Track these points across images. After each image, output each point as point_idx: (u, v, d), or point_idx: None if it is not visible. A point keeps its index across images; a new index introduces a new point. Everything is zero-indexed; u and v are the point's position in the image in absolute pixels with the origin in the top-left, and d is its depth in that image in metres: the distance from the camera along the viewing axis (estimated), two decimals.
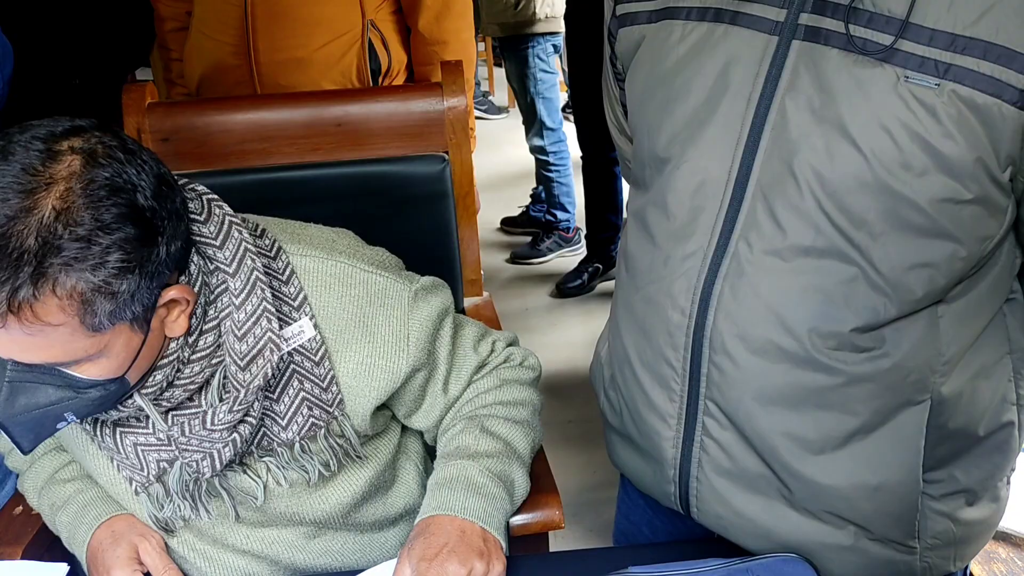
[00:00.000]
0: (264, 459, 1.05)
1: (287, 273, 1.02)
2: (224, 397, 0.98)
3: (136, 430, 1.00)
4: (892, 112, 0.86)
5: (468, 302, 1.68)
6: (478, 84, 5.69)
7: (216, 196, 1.00)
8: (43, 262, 0.79)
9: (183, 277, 0.93)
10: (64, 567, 1.06)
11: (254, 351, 0.97)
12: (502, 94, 5.96)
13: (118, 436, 1.01)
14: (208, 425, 0.98)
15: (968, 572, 1.13)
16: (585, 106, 3.40)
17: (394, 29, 1.98)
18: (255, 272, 0.98)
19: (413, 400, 1.14)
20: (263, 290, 0.98)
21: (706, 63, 0.96)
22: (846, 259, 0.91)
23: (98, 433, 1.02)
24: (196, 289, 0.94)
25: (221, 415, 0.97)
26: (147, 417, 0.99)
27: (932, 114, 0.85)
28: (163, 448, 1.01)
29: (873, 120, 0.87)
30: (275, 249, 1.03)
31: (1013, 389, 1.01)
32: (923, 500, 1.00)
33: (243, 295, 0.96)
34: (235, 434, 0.99)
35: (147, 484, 1.04)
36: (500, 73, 6.03)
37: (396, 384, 1.07)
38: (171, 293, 0.90)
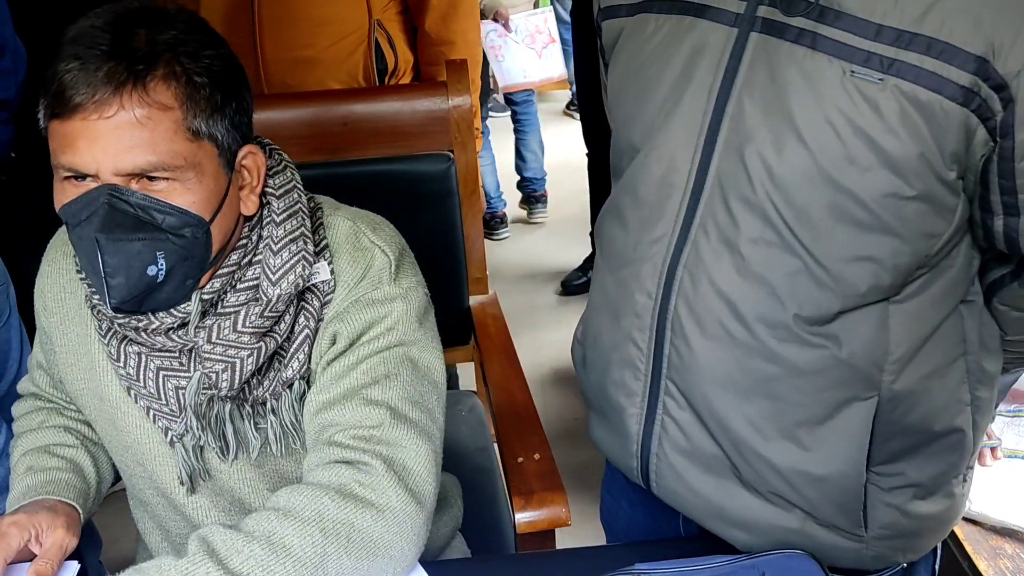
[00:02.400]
0: (276, 405, 1.05)
1: (317, 223, 1.07)
2: (250, 308, 1.01)
3: (178, 373, 1.03)
4: (837, 106, 0.88)
5: (474, 300, 1.70)
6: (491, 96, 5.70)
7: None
8: (155, 41, 0.89)
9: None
10: (75, 564, 1.07)
11: (286, 266, 1.01)
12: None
13: (160, 380, 1.03)
14: (238, 327, 1.00)
15: (938, 566, 1.14)
16: (590, 102, 3.40)
17: (400, 29, 1.99)
18: (299, 204, 1.05)
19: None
20: (303, 219, 1.04)
21: (674, 55, 0.99)
22: (791, 251, 0.93)
23: (140, 378, 1.03)
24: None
25: (252, 318, 1.00)
26: (188, 360, 1.02)
27: (875, 109, 0.87)
28: (202, 391, 1.03)
29: (819, 114, 0.89)
30: (314, 203, 1.09)
31: (967, 390, 1.03)
32: (872, 491, 1.02)
33: (284, 215, 1.03)
34: (261, 343, 1.01)
35: (182, 433, 1.05)
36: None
37: (326, 343, 1.04)
38: (249, 148, 0.99)
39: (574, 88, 4.80)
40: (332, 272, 1.05)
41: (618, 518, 1.32)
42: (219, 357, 1.00)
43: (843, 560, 1.05)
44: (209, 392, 1.02)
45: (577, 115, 3.68)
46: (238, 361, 1.00)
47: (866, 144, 0.88)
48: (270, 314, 1.01)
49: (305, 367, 1.05)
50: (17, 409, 1.22)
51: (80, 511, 1.10)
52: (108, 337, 1.04)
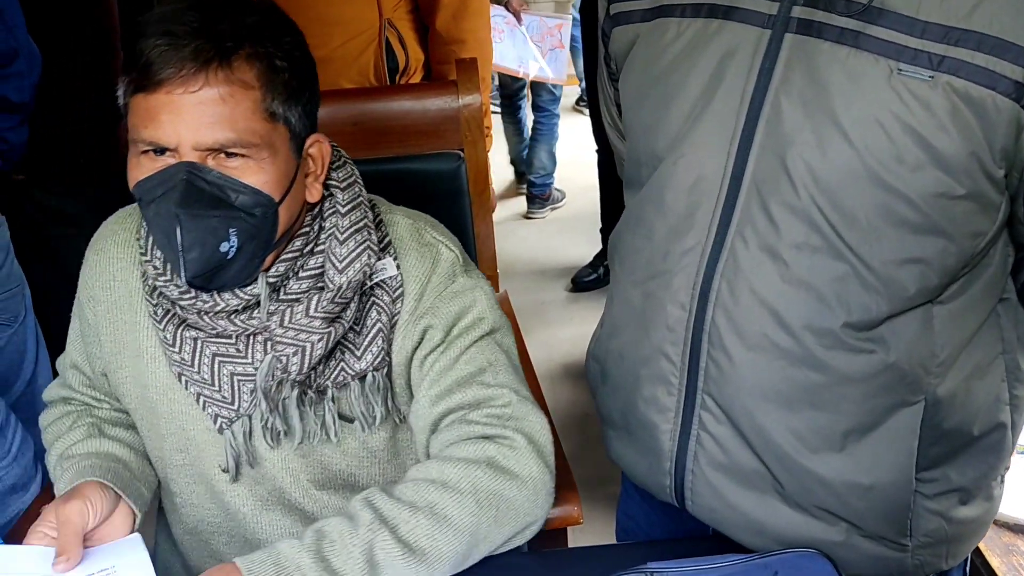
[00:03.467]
0: (337, 394, 1.09)
1: (378, 221, 1.11)
2: (323, 295, 1.04)
3: (235, 359, 1.06)
4: (885, 105, 0.87)
5: None
6: (493, 80, 5.69)
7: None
8: (240, 23, 0.93)
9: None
10: (137, 536, 1.06)
11: (352, 255, 1.05)
12: None
13: (216, 366, 1.06)
14: (311, 312, 1.03)
15: (967, 569, 1.13)
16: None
17: (411, 28, 2.00)
18: (361, 197, 1.09)
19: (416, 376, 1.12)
20: (366, 211, 1.09)
21: (700, 59, 0.97)
22: (838, 256, 0.92)
23: (195, 364, 1.05)
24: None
25: (324, 303, 1.03)
26: (246, 344, 1.05)
27: (926, 107, 0.85)
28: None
29: (866, 114, 0.87)
30: (371, 201, 1.13)
31: (1006, 389, 1.01)
32: (916, 499, 1.00)
33: (348, 207, 1.07)
34: (331, 328, 1.04)
35: (233, 419, 1.08)
36: None
37: (412, 344, 1.09)
38: (316, 137, 1.03)
39: (583, 84, 4.80)
40: (398, 267, 1.09)
41: (635, 537, 1.31)
42: (291, 341, 1.03)
43: (885, 570, 1.03)
44: (279, 376, 1.05)
45: (587, 111, 3.67)
46: (308, 345, 1.04)
47: (916, 143, 0.86)
48: (339, 300, 1.04)
49: (380, 360, 1.08)
50: (45, 418, 1.22)
51: (118, 490, 1.09)
52: (164, 322, 1.07)
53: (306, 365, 1.05)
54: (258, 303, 1.04)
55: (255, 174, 0.96)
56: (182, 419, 1.11)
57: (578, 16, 3.78)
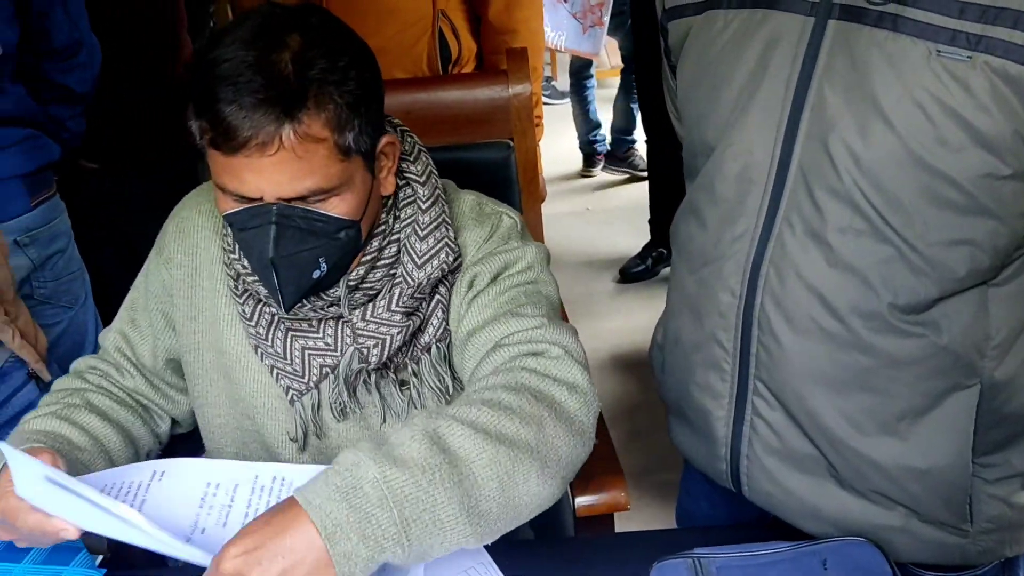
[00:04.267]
0: (410, 367, 1.13)
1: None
2: (400, 287, 1.09)
3: (307, 334, 1.11)
4: (925, 87, 0.86)
5: None
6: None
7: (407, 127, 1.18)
8: (302, 77, 0.94)
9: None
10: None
11: (432, 251, 1.09)
12: (564, 79, 5.94)
13: (288, 341, 1.11)
14: (391, 306, 1.08)
15: None
16: (651, 91, 3.38)
17: (464, 18, 2.01)
18: (438, 189, 1.13)
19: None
20: (443, 204, 1.12)
21: (746, 49, 0.98)
22: (883, 239, 0.92)
23: (269, 338, 1.11)
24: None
25: (405, 299, 1.09)
26: (319, 322, 1.10)
27: (965, 88, 0.85)
28: (328, 353, 1.11)
29: (906, 96, 0.87)
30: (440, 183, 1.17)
31: None
32: (976, 484, 1.00)
33: (429, 203, 1.11)
34: (409, 321, 1.09)
35: (303, 391, 1.12)
36: (563, 58, 6.00)
37: (462, 292, 1.12)
38: (385, 139, 1.06)
39: (635, 77, 4.77)
40: (457, 242, 1.12)
41: (696, 520, 1.32)
42: (372, 333, 1.09)
43: (948, 557, 1.03)
44: (359, 365, 1.10)
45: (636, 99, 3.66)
46: (388, 338, 1.09)
47: (957, 124, 0.86)
48: (419, 295, 1.10)
49: (440, 330, 1.12)
50: (55, 384, 1.22)
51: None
52: (244, 297, 1.12)
53: (385, 355, 1.10)
54: (339, 299, 1.09)
55: (337, 206, 1.00)
56: (254, 386, 1.15)
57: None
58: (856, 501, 1.01)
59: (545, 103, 5.52)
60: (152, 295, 1.20)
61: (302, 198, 0.98)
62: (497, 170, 1.57)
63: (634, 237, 3.72)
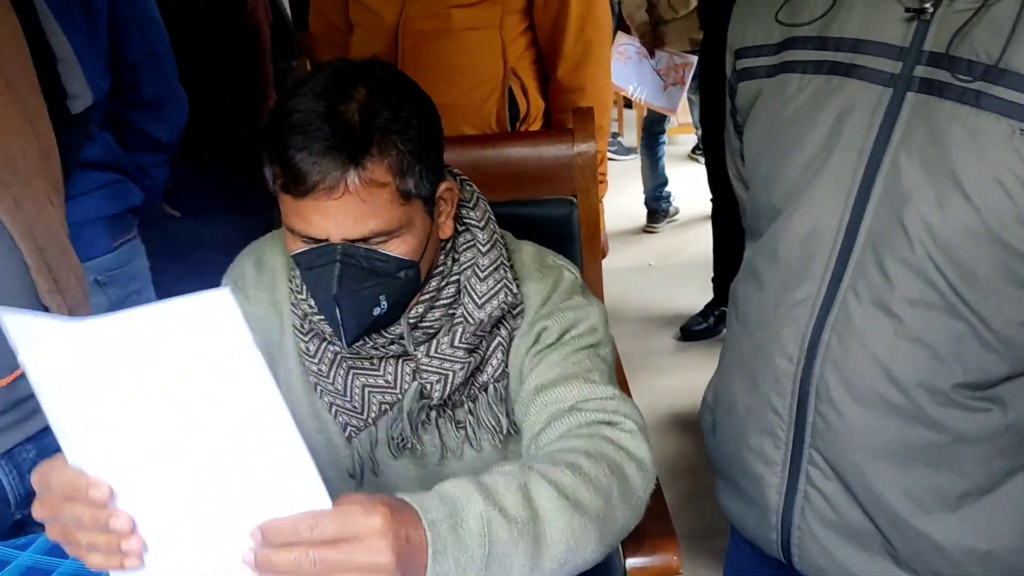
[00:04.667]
0: (467, 405, 1.16)
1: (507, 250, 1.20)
2: (462, 326, 1.13)
3: (368, 372, 1.16)
4: (1006, 166, 0.85)
5: None
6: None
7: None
8: (367, 126, 1.00)
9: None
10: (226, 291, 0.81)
11: (492, 292, 1.14)
12: (631, 135, 5.99)
13: (350, 378, 1.16)
14: (455, 343, 1.13)
15: None
16: (716, 149, 3.39)
17: (534, 77, 2.05)
18: (496, 234, 1.18)
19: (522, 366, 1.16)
20: (502, 248, 1.17)
21: (820, 115, 0.97)
22: (955, 314, 0.90)
23: (330, 375, 1.16)
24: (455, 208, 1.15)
25: (467, 336, 1.13)
26: (380, 360, 1.15)
27: None
28: (387, 390, 1.15)
29: (986, 173, 0.86)
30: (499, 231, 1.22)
31: None
32: None
33: (488, 246, 1.16)
34: (471, 358, 1.14)
35: (361, 428, 1.16)
36: (630, 114, 6.06)
37: (527, 344, 1.15)
38: (444, 185, 1.11)
39: (699, 133, 4.80)
40: (519, 290, 1.16)
41: None
42: (435, 369, 1.13)
43: None
44: (422, 402, 1.14)
45: (703, 159, 3.67)
46: (451, 374, 1.13)
47: None
48: (480, 333, 1.14)
49: (499, 371, 1.16)
50: None
51: None
52: (309, 336, 1.17)
53: (447, 391, 1.14)
54: (400, 337, 1.13)
55: (397, 247, 1.05)
56: (313, 423, 1.19)
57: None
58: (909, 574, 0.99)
59: (610, 158, 5.57)
60: None
61: (365, 239, 1.03)
62: (560, 226, 1.59)
63: (697, 295, 3.70)
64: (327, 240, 1.03)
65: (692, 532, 2.32)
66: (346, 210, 1.00)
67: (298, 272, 1.13)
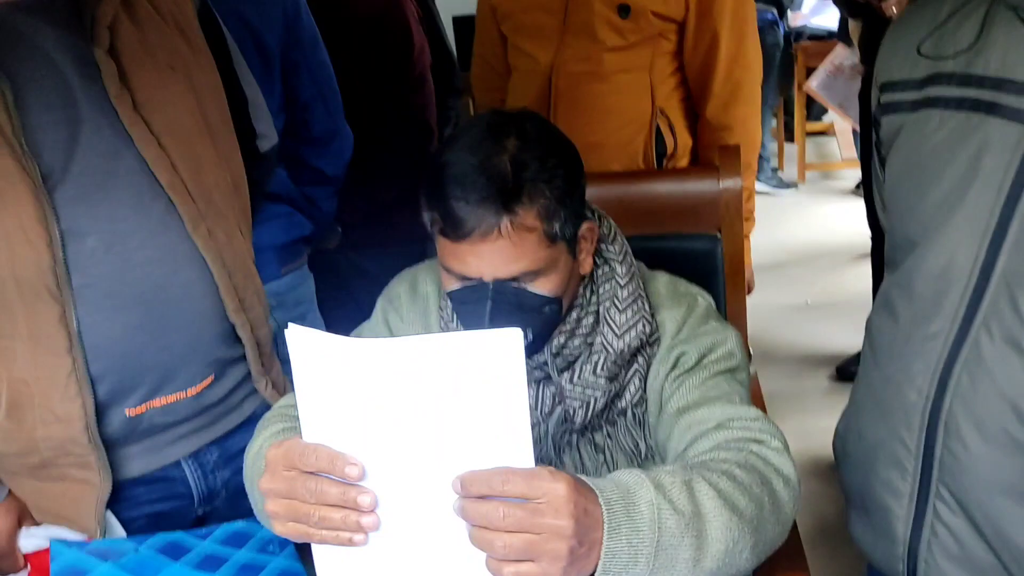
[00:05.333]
0: (605, 429, 1.22)
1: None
2: (603, 355, 1.19)
3: None
4: None
5: None
6: (767, 160, 5.67)
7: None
8: (518, 177, 1.09)
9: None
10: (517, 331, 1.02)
11: (630, 323, 1.20)
12: (791, 170, 5.88)
13: None
14: (596, 371, 1.19)
15: None
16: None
17: (682, 114, 2.09)
18: (634, 267, 1.25)
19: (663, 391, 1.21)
20: (639, 281, 1.24)
21: (959, 151, 0.98)
22: None
23: None
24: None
25: (608, 365, 1.19)
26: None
27: None
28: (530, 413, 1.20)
29: None
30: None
31: None
32: None
33: (626, 279, 1.23)
34: (611, 386, 1.20)
35: None
36: (790, 149, 5.95)
37: (666, 369, 1.20)
38: (585, 225, 1.19)
39: (861, 171, 4.66)
40: (655, 319, 1.22)
41: None
42: (578, 396, 1.20)
43: None
44: (565, 425, 1.21)
45: (863, 197, 3.58)
46: (592, 400, 1.20)
47: None
48: (620, 362, 1.20)
49: (637, 397, 1.22)
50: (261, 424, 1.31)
51: None
52: None
53: (588, 416, 1.20)
54: (544, 364, 1.20)
55: (543, 285, 1.14)
56: None
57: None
58: None
59: (768, 193, 5.49)
60: (384, 335, 1.34)
61: (514, 278, 1.12)
62: (704, 260, 1.63)
63: (855, 335, 3.56)
64: (480, 279, 1.12)
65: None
66: (498, 252, 1.10)
67: (448, 303, 1.23)
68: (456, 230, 1.09)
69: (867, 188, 3.40)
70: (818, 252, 4.67)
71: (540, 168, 1.11)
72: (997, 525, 0.97)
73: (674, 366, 1.20)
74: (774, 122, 5.98)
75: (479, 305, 1.13)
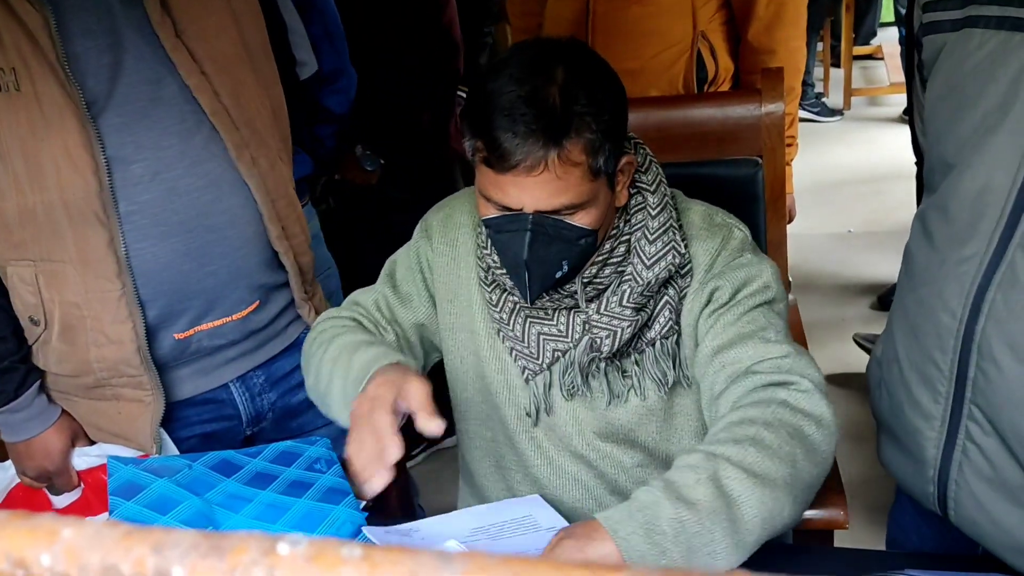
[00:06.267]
0: (634, 357, 1.24)
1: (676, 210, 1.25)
2: (631, 285, 1.19)
3: (543, 322, 1.24)
4: None
5: None
6: (812, 86, 5.54)
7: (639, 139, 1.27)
8: (568, 110, 1.07)
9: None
10: (538, 497, 1.28)
11: (660, 253, 1.19)
12: (837, 96, 5.75)
13: (527, 326, 1.25)
14: (623, 302, 1.19)
15: None
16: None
17: (723, 39, 2.04)
18: (666, 197, 1.23)
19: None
20: (671, 211, 1.22)
21: (999, 71, 0.96)
22: None
23: (510, 323, 1.25)
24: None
25: (635, 296, 1.20)
26: (555, 311, 1.23)
27: None
28: (560, 339, 1.24)
29: None
30: (671, 192, 1.27)
31: None
32: None
33: (658, 209, 1.21)
34: (638, 316, 1.20)
35: (537, 372, 1.26)
36: (836, 74, 5.81)
37: (701, 303, 1.20)
38: (625, 159, 1.17)
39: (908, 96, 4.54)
40: (687, 248, 1.21)
41: (904, 549, 1.30)
42: (605, 326, 1.21)
43: None
44: (592, 354, 1.22)
45: (909, 124, 3.48)
46: (619, 330, 1.20)
47: None
48: (648, 293, 1.20)
49: (668, 329, 1.22)
50: (322, 320, 1.37)
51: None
52: (492, 287, 1.27)
53: (616, 345, 1.21)
54: (574, 292, 1.21)
55: (582, 218, 1.13)
56: (496, 364, 1.30)
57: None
58: None
59: (814, 120, 5.38)
60: (417, 269, 1.35)
61: (555, 211, 1.11)
62: (744, 186, 1.61)
63: (898, 264, 3.53)
64: (521, 210, 1.12)
65: (862, 492, 2.28)
66: (543, 186, 1.09)
67: (484, 231, 1.23)
68: (501, 162, 1.08)
69: (911, 113, 3.31)
70: (862, 180, 4.59)
71: (589, 101, 1.09)
72: None
73: (708, 301, 1.20)
74: (820, 46, 5.82)
75: (517, 235, 1.13)
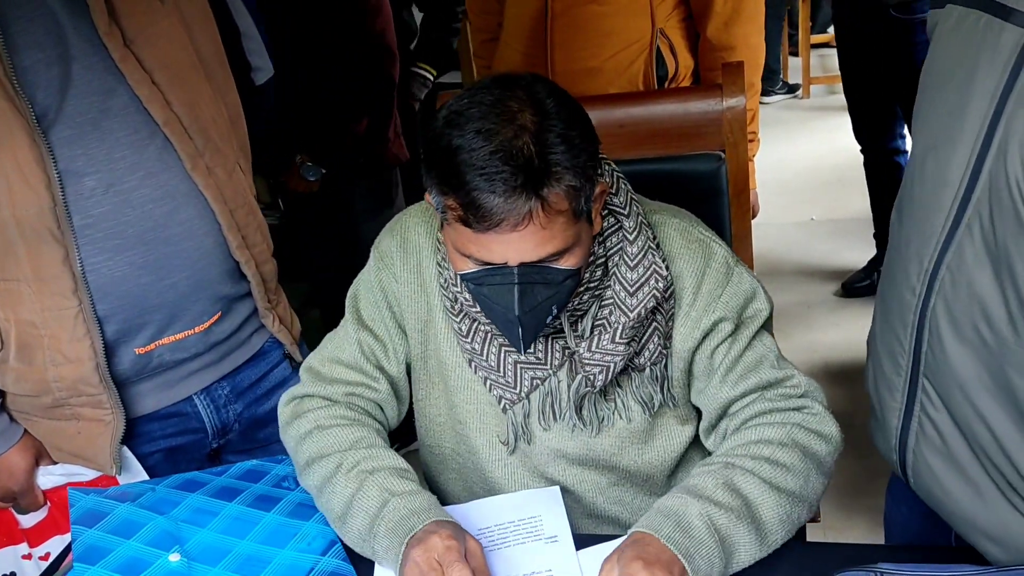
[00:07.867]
0: (622, 385, 1.22)
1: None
2: (621, 320, 1.17)
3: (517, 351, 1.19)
4: None
5: None
6: (778, 72, 5.60)
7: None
8: (544, 159, 1.01)
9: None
10: (556, 489, 1.25)
11: (642, 280, 1.17)
12: (795, 79, 5.80)
13: (502, 355, 1.21)
14: (616, 339, 1.17)
15: None
16: (858, 95, 3.17)
17: (682, 36, 2.03)
18: (640, 216, 1.19)
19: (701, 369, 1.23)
20: (647, 230, 1.19)
21: (967, 53, 0.97)
22: None
23: (484, 352, 1.22)
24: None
25: (627, 331, 1.17)
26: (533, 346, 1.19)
27: None
28: (539, 367, 1.21)
29: None
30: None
31: None
32: None
33: (635, 233, 1.18)
34: (630, 348, 1.18)
35: (515, 401, 1.23)
36: (795, 62, 5.86)
37: (699, 335, 1.20)
38: (599, 188, 1.11)
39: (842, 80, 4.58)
40: (668, 268, 1.19)
41: (895, 522, 1.34)
42: (597, 363, 1.18)
43: None
44: (585, 390, 1.20)
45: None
46: (612, 364, 1.18)
47: None
48: (637, 324, 1.17)
49: (657, 355, 1.21)
50: (290, 409, 1.29)
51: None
52: (460, 316, 1.21)
53: (609, 379, 1.19)
54: (560, 330, 1.19)
55: (568, 260, 1.08)
56: (467, 394, 1.26)
57: None
58: (1013, 514, 1.00)
59: (779, 103, 5.41)
60: (384, 305, 1.28)
61: (540, 260, 1.06)
62: (708, 181, 1.60)
63: (861, 251, 3.58)
64: (504, 263, 1.06)
65: (842, 484, 2.30)
66: (528, 238, 1.03)
67: (458, 280, 1.15)
68: (482, 222, 1.02)
69: (850, 98, 3.27)
70: (823, 167, 4.62)
71: (566, 148, 1.03)
72: (970, 421, 1.00)
73: (710, 332, 1.19)
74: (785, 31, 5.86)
75: (503, 289, 1.08)
